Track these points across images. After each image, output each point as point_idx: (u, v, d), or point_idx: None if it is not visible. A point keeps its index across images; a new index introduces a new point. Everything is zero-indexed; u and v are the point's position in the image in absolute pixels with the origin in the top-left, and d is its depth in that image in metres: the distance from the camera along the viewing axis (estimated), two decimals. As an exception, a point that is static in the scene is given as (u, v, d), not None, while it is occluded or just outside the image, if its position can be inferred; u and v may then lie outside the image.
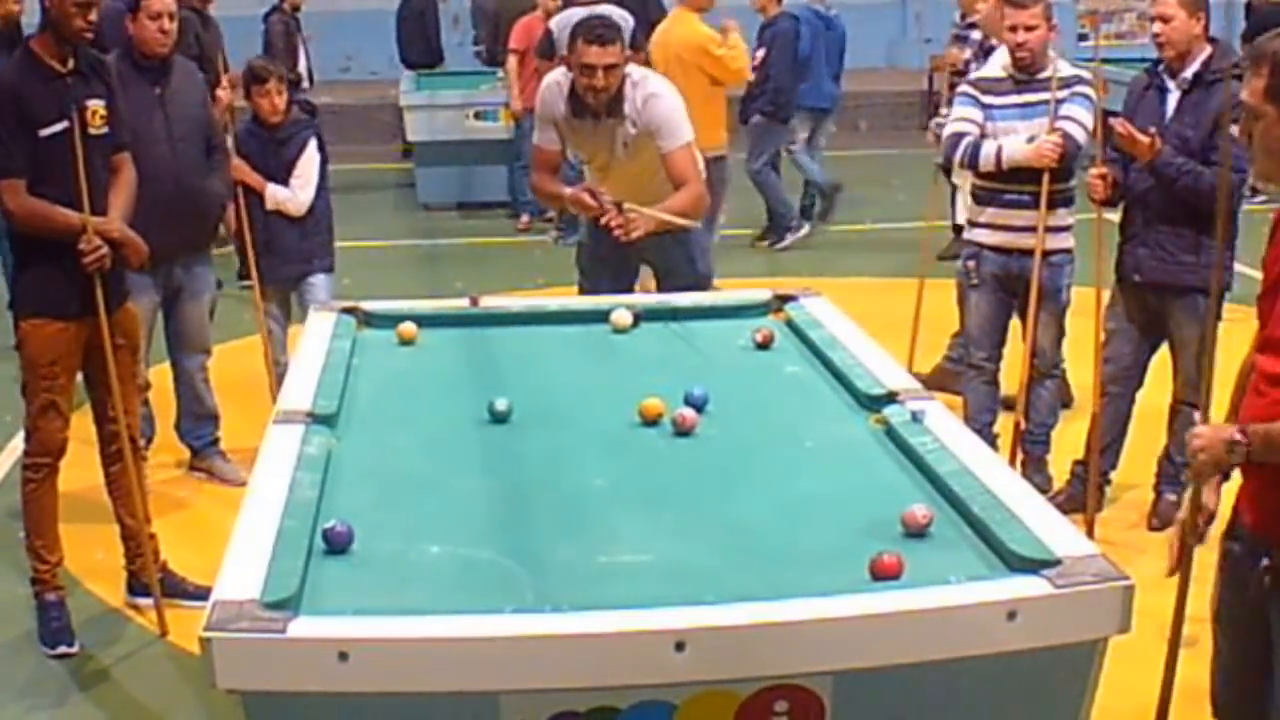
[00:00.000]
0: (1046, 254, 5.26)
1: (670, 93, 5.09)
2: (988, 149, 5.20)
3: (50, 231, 4.25)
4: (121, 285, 4.51)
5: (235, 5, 9.88)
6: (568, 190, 5.13)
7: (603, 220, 4.85)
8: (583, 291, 5.36)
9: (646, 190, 4.99)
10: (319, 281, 5.86)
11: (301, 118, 6.02)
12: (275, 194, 5.74)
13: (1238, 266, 5.26)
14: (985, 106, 5.29)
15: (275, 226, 5.76)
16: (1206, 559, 5.12)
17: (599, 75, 4.86)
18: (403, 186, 11.43)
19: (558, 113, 5.10)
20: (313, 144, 5.85)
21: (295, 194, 5.75)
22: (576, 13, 8.70)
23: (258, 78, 5.72)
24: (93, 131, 4.31)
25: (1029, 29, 5.15)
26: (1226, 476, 5.26)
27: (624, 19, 8.85)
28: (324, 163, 5.91)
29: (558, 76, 5.16)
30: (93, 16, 4.26)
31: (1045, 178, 5.12)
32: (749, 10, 9.39)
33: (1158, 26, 4.97)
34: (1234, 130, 4.89)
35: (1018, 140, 5.17)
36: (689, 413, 3.42)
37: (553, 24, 8.95)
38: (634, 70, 5.07)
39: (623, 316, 4.27)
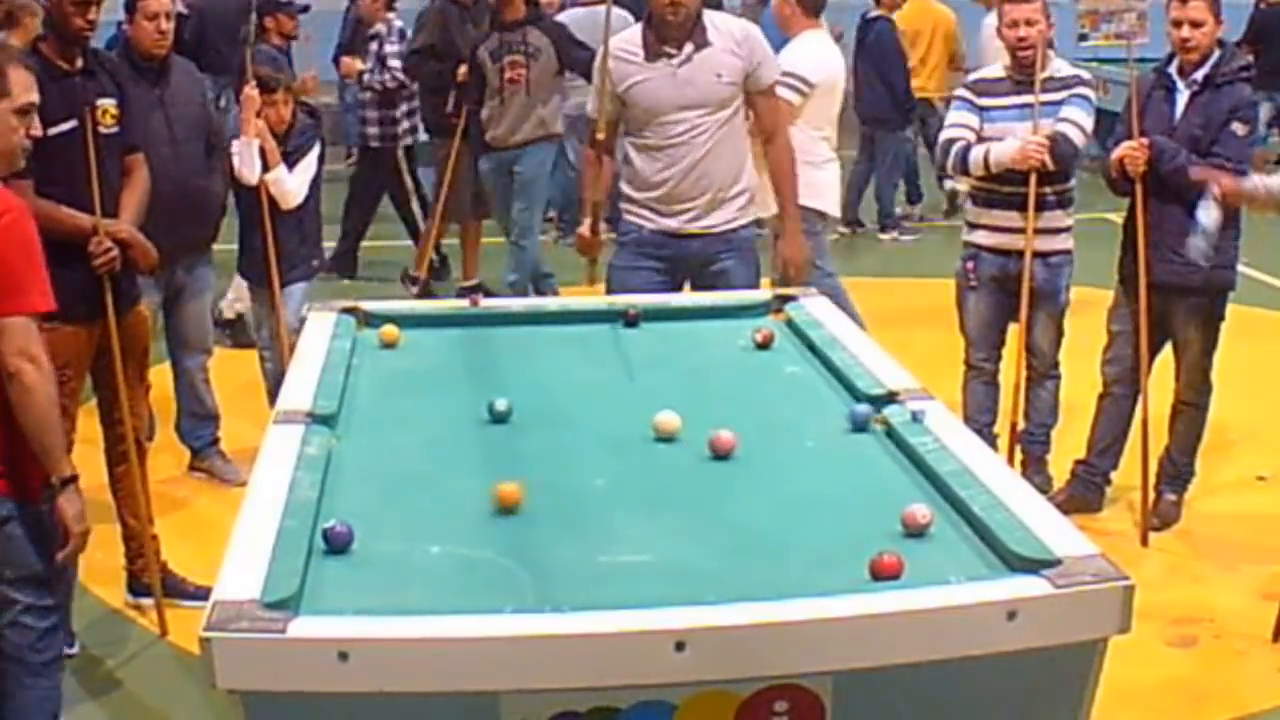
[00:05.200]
0: (1045, 255, 5.25)
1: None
2: (976, 153, 5.17)
3: (57, 232, 4.24)
4: (133, 288, 4.51)
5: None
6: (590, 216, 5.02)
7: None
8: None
9: (712, 170, 4.89)
10: (295, 291, 5.83)
11: (308, 124, 5.99)
12: (281, 176, 5.68)
13: (1240, 267, 5.26)
14: (982, 109, 5.26)
15: (277, 228, 5.75)
16: (1207, 558, 5.15)
17: None
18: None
19: (628, 66, 4.86)
20: (316, 149, 5.85)
21: (297, 185, 5.73)
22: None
23: (266, 88, 5.70)
24: (104, 130, 4.31)
25: (1030, 23, 5.11)
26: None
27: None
28: (319, 170, 5.93)
29: (617, 40, 4.97)
30: (92, 15, 4.27)
31: (1033, 179, 5.09)
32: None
33: (1187, 30, 4.94)
34: (1236, 128, 4.93)
35: (1005, 142, 5.14)
36: (726, 435, 3.23)
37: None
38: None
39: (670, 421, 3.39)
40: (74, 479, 3.30)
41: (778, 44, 6.27)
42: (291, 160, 5.74)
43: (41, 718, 3.50)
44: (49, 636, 3.48)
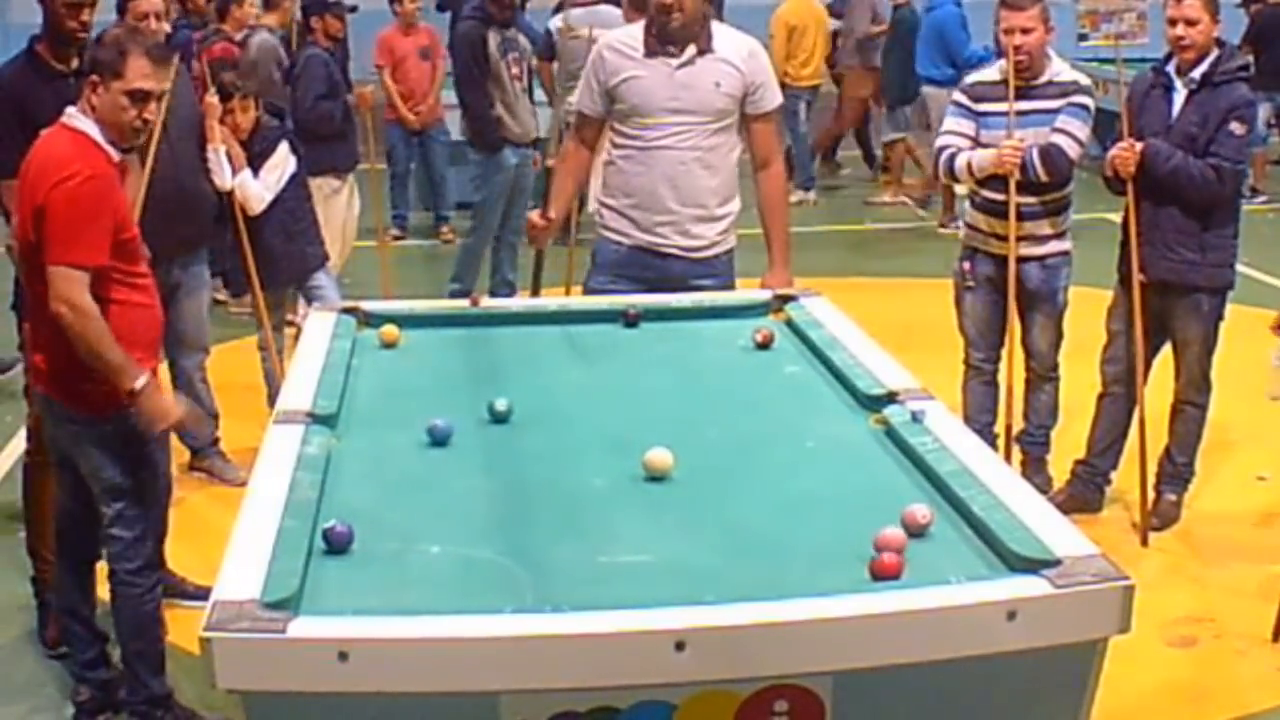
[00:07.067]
0: (1042, 258, 5.26)
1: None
2: (960, 161, 5.19)
3: None
4: None
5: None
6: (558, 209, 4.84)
7: None
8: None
9: (695, 183, 4.70)
10: (321, 283, 5.89)
11: (272, 125, 6.00)
12: (245, 180, 5.68)
13: (1239, 267, 5.26)
14: (979, 114, 5.25)
15: (263, 232, 5.76)
16: (1207, 558, 5.16)
17: None
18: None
19: (624, 60, 4.70)
20: (283, 147, 5.85)
21: (260, 190, 5.74)
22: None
23: (224, 95, 5.70)
24: None
25: (1026, 31, 5.09)
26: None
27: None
28: (299, 165, 5.93)
29: (619, 32, 4.94)
30: (85, 17, 4.28)
31: (1012, 185, 5.08)
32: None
33: (1182, 29, 4.95)
34: (1234, 127, 4.94)
35: (985, 150, 5.15)
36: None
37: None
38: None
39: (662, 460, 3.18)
40: (142, 389, 3.60)
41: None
42: (256, 164, 5.75)
43: (136, 622, 3.90)
44: (137, 545, 3.85)
